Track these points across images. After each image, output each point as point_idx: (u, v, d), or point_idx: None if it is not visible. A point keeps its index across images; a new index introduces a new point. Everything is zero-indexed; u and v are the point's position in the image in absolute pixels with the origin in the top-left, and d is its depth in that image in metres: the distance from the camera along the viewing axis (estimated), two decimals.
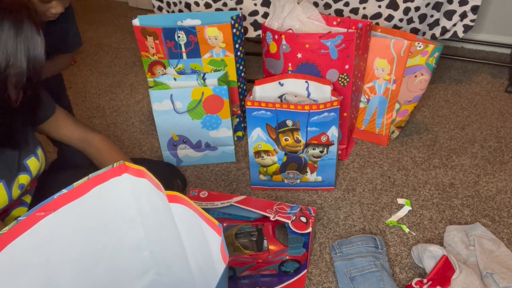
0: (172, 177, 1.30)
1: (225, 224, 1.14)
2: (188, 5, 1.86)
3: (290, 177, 1.32)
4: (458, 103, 1.80)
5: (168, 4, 1.94)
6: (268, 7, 1.79)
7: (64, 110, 1.03)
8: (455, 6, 1.68)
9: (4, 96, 0.71)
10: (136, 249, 0.78)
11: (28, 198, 0.97)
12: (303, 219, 1.09)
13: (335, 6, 1.74)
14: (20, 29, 0.68)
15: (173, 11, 1.95)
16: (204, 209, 1.14)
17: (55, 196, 0.63)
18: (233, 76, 1.45)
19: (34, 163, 0.91)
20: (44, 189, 1.08)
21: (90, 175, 0.66)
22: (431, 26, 1.75)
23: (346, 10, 1.75)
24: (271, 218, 1.09)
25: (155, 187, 0.66)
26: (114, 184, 0.69)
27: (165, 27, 1.37)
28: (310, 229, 1.07)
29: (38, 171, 0.93)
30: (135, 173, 0.69)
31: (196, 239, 0.65)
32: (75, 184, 0.65)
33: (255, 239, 1.09)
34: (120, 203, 0.72)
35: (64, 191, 0.64)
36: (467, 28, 1.71)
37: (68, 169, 1.31)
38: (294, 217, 1.09)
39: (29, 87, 0.73)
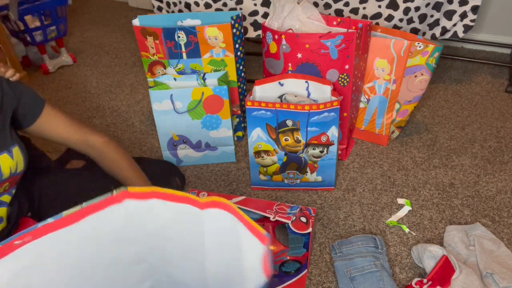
0: (170, 175, 1.30)
1: None
2: (188, 5, 1.86)
3: (290, 177, 1.32)
4: (458, 103, 1.80)
5: (168, 4, 1.94)
6: (268, 7, 1.79)
7: (57, 108, 0.97)
8: (455, 6, 1.68)
9: None
10: (134, 264, 0.73)
11: (6, 198, 0.92)
12: (303, 219, 1.09)
13: (335, 6, 1.74)
14: None
15: (173, 11, 1.95)
16: None
17: (39, 225, 0.57)
18: (233, 76, 1.45)
19: (5, 160, 0.86)
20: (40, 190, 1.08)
21: (84, 203, 0.60)
22: (431, 26, 1.75)
23: (346, 10, 1.75)
24: (271, 219, 1.09)
25: (181, 202, 0.62)
26: (112, 212, 0.63)
27: (165, 27, 1.37)
28: (310, 229, 1.07)
29: (12, 170, 0.88)
30: (141, 196, 0.63)
31: (227, 246, 0.62)
32: (65, 213, 0.59)
33: None
34: (118, 228, 0.66)
35: (50, 220, 0.58)
36: (467, 28, 1.71)
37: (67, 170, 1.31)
38: (294, 217, 1.09)
39: None
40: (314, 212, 1.12)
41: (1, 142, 0.87)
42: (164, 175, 1.28)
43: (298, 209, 1.12)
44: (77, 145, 1.00)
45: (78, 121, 1.01)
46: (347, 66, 1.27)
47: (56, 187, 1.09)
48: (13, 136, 0.90)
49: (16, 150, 0.89)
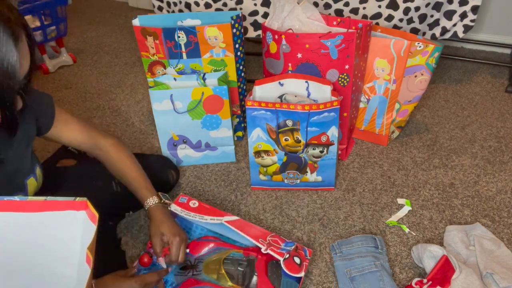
0: (166, 168, 1.31)
1: (212, 245, 1.06)
2: (188, 5, 1.86)
3: (290, 177, 1.32)
4: (458, 103, 1.80)
5: (168, 4, 1.94)
6: (268, 7, 1.79)
7: (67, 113, 0.99)
8: (455, 6, 1.68)
9: None
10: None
11: None
12: (297, 260, 0.98)
13: (335, 6, 1.74)
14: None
15: (173, 11, 1.95)
16: (190, 219, 1.07)
17: None
18: (233, 76, 1.45)
19: (33, 184, 0.88)
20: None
21: (48, 197, 0.62)
22: (431, 26, 1.75)
23: (346, 10, 1.75)
24: (262, 250, 0.99)
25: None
26: (68, 217, 0.64)
27: (165, 27, 1.37)
28: (302, 273, 0.96)
29: (35, 191, 0.90)
30: (90, 216, 0.64)
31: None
32: (30, 198, 0.60)
33: (242, 269, 0.99)
34: (65, 238, 0.66)
35: (7, 198, 0.58)
36: (467, 28, 1.71)
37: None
38: (288, 256, 0.97)
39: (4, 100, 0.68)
40: (310, 255, 1.01)
41: (28, 166, 0.87)
42: (160, 168, 1.30)
43: (293, 246, 1.00)
44: (88, 148, 1.03)
45: (89, 125, 1.03)
46: (347, 66, 1.27)
47: (55, 180, 1.10)
48: (34, 156, 0.91)
49: (38, 171, 0.91)
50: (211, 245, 1.07)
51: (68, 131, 0.98)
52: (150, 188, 1.02)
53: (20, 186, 0.85)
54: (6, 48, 0.63)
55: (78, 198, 0.64)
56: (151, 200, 1.00)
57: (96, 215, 0.63)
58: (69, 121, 0.98)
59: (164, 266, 0.99)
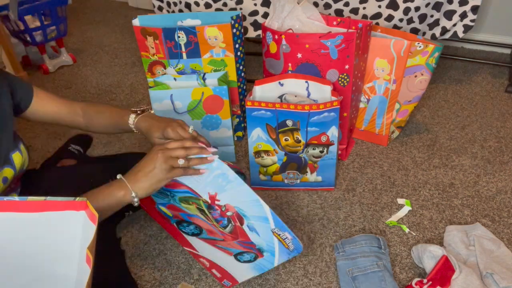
0: None
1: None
2: (188, 5, 1.86)
3: (290, 177, 1.32)
4: (458, 103, 1.80)
5: (168, 4, 1.94)
6: (268, 7, 1.79)
7: (43, 89, 1.01)
8: (455, 6, 1.68)
9: None
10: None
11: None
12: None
13: (335, 6, 1.74)
14: None
15: (173, 11, 1.95)
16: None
17: None
18: (233, 76, 1.45)
19: (18, 158, 0.91)
20: (33, 185, 1.08)
21: (48, 197, 0.62)
22: (431, 26, 1.75)
23: (346, 10, 1.75)
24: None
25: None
26: (68, 217, 0.64)
27: (165, 27, 1.37)
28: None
29: (22, 166, 0.93)
30: (90, 216, 0.64)
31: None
32: (30, 198, 0.61)
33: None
34: (65, 238, 0.66)
35: (7, 198, 0.59)
36: (467, 28, 1.71)
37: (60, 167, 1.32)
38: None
39: None
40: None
41: (11, 141, 0.89)
42: None
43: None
44: (68, 117, 1.03)
45: (63, 97, 1.05)
46: (347, 66, 1.27)
47: (58, 180, 1.10)
48: (17, 134, 0.93)
49: (22, 147, 0.93)
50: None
51: (48, 103, 0.99)
52: (127, 112, 1.00)
53: (5, 160, 0.88)
54: None
55: (78, 198, 0.64)
56: (131, 118, 0.97)
57: (96, 215, 0.63)
58: (48, 95, 1.00)
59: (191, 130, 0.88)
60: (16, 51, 2.08)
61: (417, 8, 1.68)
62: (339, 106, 1.18)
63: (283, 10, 1.34)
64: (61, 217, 0.64)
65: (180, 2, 1.87)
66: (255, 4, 1.79)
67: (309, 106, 1.17)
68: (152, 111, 1.02)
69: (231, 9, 1.82)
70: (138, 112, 1.00)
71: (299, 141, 1.24)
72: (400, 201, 1.29)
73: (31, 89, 0.97)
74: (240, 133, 1.60)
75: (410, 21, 1.72)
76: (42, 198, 0.62)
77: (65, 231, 0.66)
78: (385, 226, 1.21)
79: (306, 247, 1.15)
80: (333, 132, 1.22)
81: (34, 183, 1.08)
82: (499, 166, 1.43)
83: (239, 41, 1.41)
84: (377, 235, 1.12)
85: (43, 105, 0.99)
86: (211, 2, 1.83)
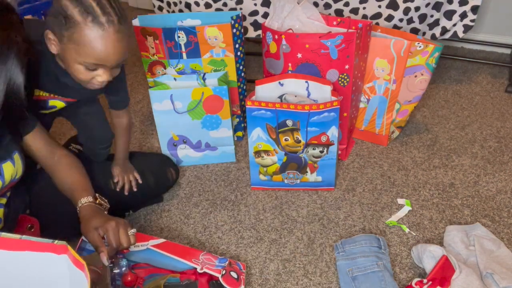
0: (165, 166, 1.31)
1: (143, 276, 0.98)
2: (188, 5, 1.86)
3: (290, 177, 1.32)
4: (458, 103, 1.80)
5: (168, 4, 1.94)
6: (268, 7, 1.79)
7: (43, 128, 0.98)
8: (455, 6, 1.68)
9: None
10: None
11: (2, 201, 0.94)
12: (234, 274, 0.95)
13: (335, 6, 1.74)
14: (4, 63, 0.75)
15: (173, 11, 1.95)
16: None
17: None
18: (233, 76, 1.45)
19: (9, 168, 0.88)
20: (33, 185, 1.08)
21: (23, 236, 0.60)
22: (431, 26, 1.75)
23: (346, 10, 1.75)
24: (198, 270, 0.94)
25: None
26: (49, 260, 0.61)
27: (165, 27, 1.37)
28: (242, 287, 0.94)
29: (12, 176, 0.89)
30: (74, 261, 0.62)
31: None
32: (4, 235, 0.58)
33: None
34: (51, 279, 0.63)
35: None
36: (467, 28, 1.71)
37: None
38: (224, 271, 0.94)
39: (10, 109, 0.78)
40: (244, 268, 0.99)
41: (7, 150, 0.87)
42: (159, 167, 1.30)
43: (226, 262, 0.97)
44: (44, 156, 0.99)
45: (51, 136, 1.02)
46: (347, 66, 1.27)
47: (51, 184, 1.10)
48: (15, 141, 0.90)
49: (16, 157, 0.90)
50: (144, 273, 0.99)
51: (38, 142, 0.96)
52: (88, 189, 0.96)
53: None
54: (14, 71, 0.77)
55: (56, 241, 0.61)
56: (84, 199, 0.92)
57: (83, 262, 0.61)
58: (42, 134, 0.97)
59: (106, 262, 0.83)
60: None
61: (417, 8, 1.68)
62: (339, 106, 1.18)
63: (283, 10, 1.34)
64: (43, 259, 0.61)
65: (180, 2, 1.87)
66: (255, 4, 1.80)
67: (309, 106, 1.17)
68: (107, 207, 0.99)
69: (231, 9, 1.82)
70: (97, 201, 0.96)
71: (299, 141, 1.24)
72: (400, 201, 1.29)
73: (34, 125, 0.95)
74: (240, 133, 1.60)
75: (410, 21, 1.72)
76: (18, 236, 0.60)
77: (50, 273, 0.63)
78: (385, 226, 1.21)
79: (306, 247, 1.15)
80: (333, 132, 1.22)
81: (34, 183, 1.09)
82: (499, 166, 1.43)
83: (239, 41, 1.41)
84: (377, 235, 1.12)
85: (32, 141, 0.95)
86: (211, 2, 1.83)
